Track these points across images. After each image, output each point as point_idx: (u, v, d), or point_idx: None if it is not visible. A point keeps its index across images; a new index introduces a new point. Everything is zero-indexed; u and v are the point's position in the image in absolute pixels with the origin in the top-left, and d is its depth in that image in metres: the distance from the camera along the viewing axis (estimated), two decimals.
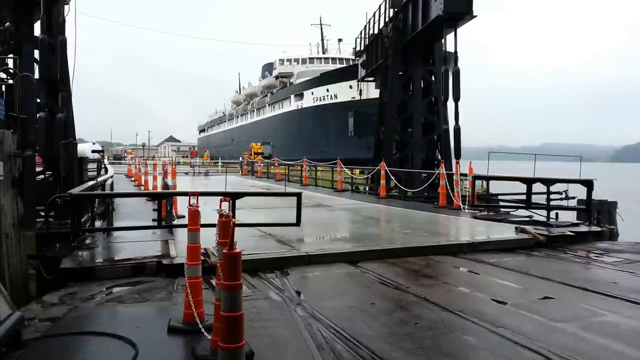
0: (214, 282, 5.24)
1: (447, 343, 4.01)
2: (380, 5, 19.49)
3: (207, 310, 4.26)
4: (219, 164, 43.85)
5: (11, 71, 8.79)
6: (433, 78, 17.21)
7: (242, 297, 2.75)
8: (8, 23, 8.62)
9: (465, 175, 13.18)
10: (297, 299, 5.15)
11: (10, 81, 8.87)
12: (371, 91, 25.97)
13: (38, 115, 8.54)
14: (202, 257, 4.88)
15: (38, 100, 8.76)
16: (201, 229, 4.43)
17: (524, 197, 10.97)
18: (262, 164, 32.26)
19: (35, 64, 9.02)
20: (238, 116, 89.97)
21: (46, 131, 8.56)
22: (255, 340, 3.89)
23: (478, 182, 14.25)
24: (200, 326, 3.79)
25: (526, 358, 3.71)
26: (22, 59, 8.78)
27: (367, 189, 19.44)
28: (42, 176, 8.96)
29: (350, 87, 48.17)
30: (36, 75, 8.89)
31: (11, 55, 9.13)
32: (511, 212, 11.69)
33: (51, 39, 8.99)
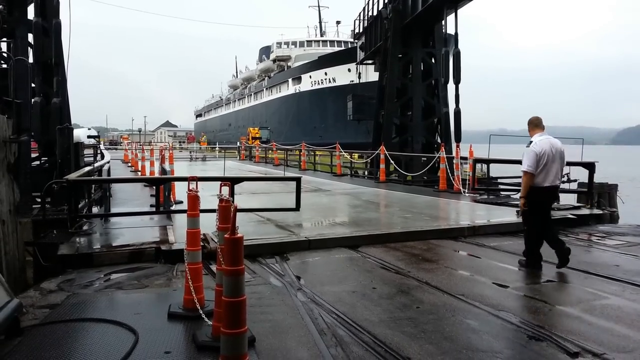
0: (213, 267, 5.22)
1: (449, 327, 3.98)
2: None
3: (207, 296, 4.23)
4: (217, 149, 43.66)
5: (5, 55, 8.62)
6: (433, 60, 17.03)
7: (244, 283, 2.69)
8: (1, 6, 8.41)
9: (466, 158, 13.11)
10: (298, 284, 5.12)
11: (4, 65, 8.70)
12: (370, 74, 25.71)
13: (33, 100, 8.40)
14: (201, 243, 4.82)
15: (33, 85, 8.61)
16: (200, 214, 4.36)
17: None
18: (260, 149, 32.13)
19: (29, 48, 8.85)
20: (235, 100, 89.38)
21: (41, 116, 8.43)
22: (256, 325, 3.86)
23: (478, 166, 14.18)
24: (201, 312, 3.76)
25: (529, 341, 3.68)
26: (15, 43, 8.61)
27: (366, 173, 19.40)
28: (37, 162, 8.86)
29: (349, 70, 47.77)
30: (30, 60, 8.73)
31: (5, 39, 8.95)
32: (512, 196, 11.65)
33: (45, 22, 8.81)
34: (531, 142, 5.79)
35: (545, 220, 5.84)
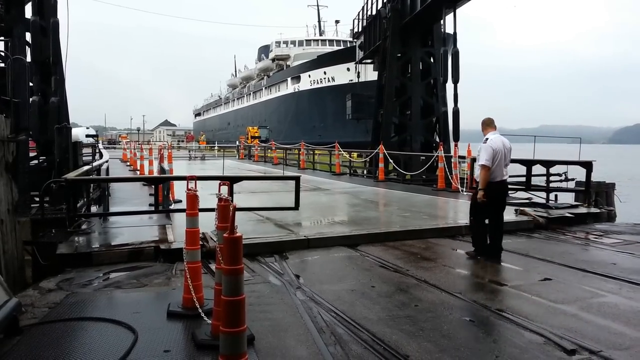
0: (212, 266, 5.23)
1: (447, 325, 3.99)
2: None
3: (206, 294, 4.24)
4: (216, 148, 43.62)
5: (2, 54, 8.61)
6: (432, 60, 17.02)
7: (243, 282, 2.70)
8: None
9: (464, 157, 13.13)
10: (297, 283, 5.13)
11: (2, 64, 8.69)
12: (369, 73, 25.70)
13: (31, 99, 8.40)
14: (200, 242, 4.83)
15: (31, 84, 8.61)
16: (199, 213, 4.37)
17: (523, 179, 10.94)
18: (259, 148, 32.12)
19: (27, 46, 8.84)
20: (234, 100, 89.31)
21: (39, 115, 8.43)
22: (255, 324, 3.87)
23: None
24: (200, 311, 3.76)
25: (527, 339, 3.70)
26: (13, 42, 8.59)
27: (365, 172, 19.40)
28: (35, 161, 8.86)
29: (348, 69, 47.77)
30: (28, 59, 8.72)
31: (2, 38, 8.93)
32: (510, 194, 11.66)
33: (43, 21, 8.80)
34: (487, 139, 6.23)
35: (498, 213, 6.30)
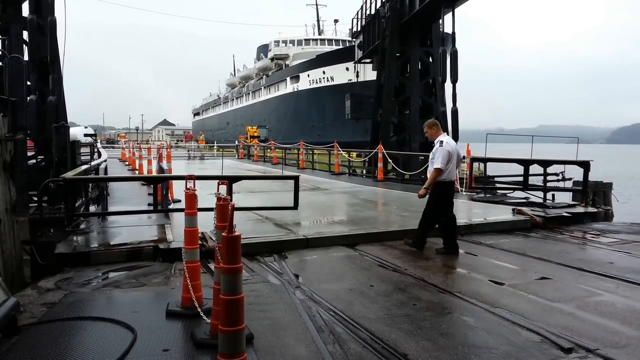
0: (211, 266, 5.24)
1: (446, 323, 4.01)
2: None
3: (205, 294, 4.25)
4: (215, 147, 43.60)
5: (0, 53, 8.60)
6: (431, 59, 17.04)
7: (241, 281, 2.71)
8: None
9: (463, 157, 13.14)
10: (296, 282, 5.14)
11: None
12: (368, 73, 25.73)
13: (28, 98, 8.38)
14: (199, 241, 4.84)
15: (28, 83, 8.60)
16: (198, 213, 4.38)
17: (521, 179, 10.97)
18: (258, 148, 32.11)
19: (24, 45, 8.82)
20: (233, 99, 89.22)
21: (37, 114, 8.42)
22: (254, 323, 3.88)
23: (475, 165, 14.24)
24: (199, 310, 3.77)
25: (524, 337, 3.72)
26: (10, 41, 8.57)
27: (364, 172, 19.42)
28: (33, 161, 8.84)
29: (347, 69, 47.73)
30: (26, 57, 8.70)
31: None
32: (508, 194, 11.70)
33: (40, 19, 8.78)
34: (441, 141, 6.39)
35: (450, 210, 6.58)
